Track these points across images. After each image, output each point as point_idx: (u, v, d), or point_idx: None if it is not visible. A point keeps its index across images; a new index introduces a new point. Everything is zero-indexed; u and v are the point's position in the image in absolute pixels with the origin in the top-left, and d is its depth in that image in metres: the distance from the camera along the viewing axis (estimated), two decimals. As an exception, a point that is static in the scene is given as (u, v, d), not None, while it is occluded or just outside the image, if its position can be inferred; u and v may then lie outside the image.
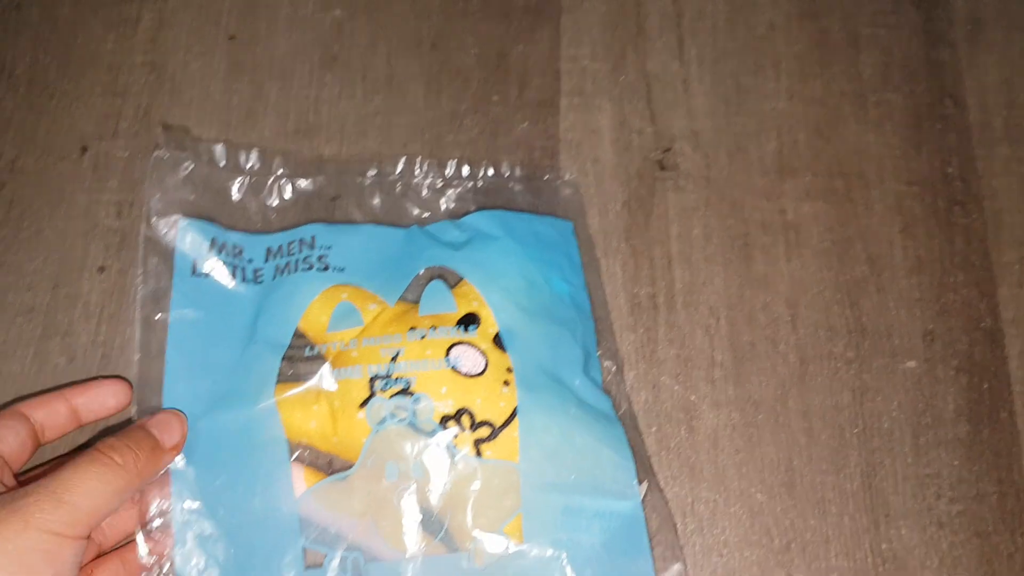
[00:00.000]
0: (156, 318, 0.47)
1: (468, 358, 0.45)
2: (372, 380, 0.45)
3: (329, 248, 0.49)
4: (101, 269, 0.52)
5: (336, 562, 0.42)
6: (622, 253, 0.54)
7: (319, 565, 0.42)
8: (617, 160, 0.56)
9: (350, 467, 0.44)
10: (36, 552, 0.34)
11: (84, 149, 0.55)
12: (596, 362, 0.50)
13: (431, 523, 0.43)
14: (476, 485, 0.43)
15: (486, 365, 0.45)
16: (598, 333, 0.51)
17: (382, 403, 0.44)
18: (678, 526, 0.48)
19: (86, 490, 0.36)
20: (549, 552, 0.43)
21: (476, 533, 0.43)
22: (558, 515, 0.44)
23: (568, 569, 0.43)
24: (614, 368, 0.50)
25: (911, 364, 0.52)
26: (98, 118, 0.56)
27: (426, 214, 0.52)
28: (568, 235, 0.53)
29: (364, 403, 0.44)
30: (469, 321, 0.47)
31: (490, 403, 0.45)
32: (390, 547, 0.43)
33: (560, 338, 0.48)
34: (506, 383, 0.45)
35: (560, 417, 0.45)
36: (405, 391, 0.44)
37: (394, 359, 0.45)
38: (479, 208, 0.52)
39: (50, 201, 0.54)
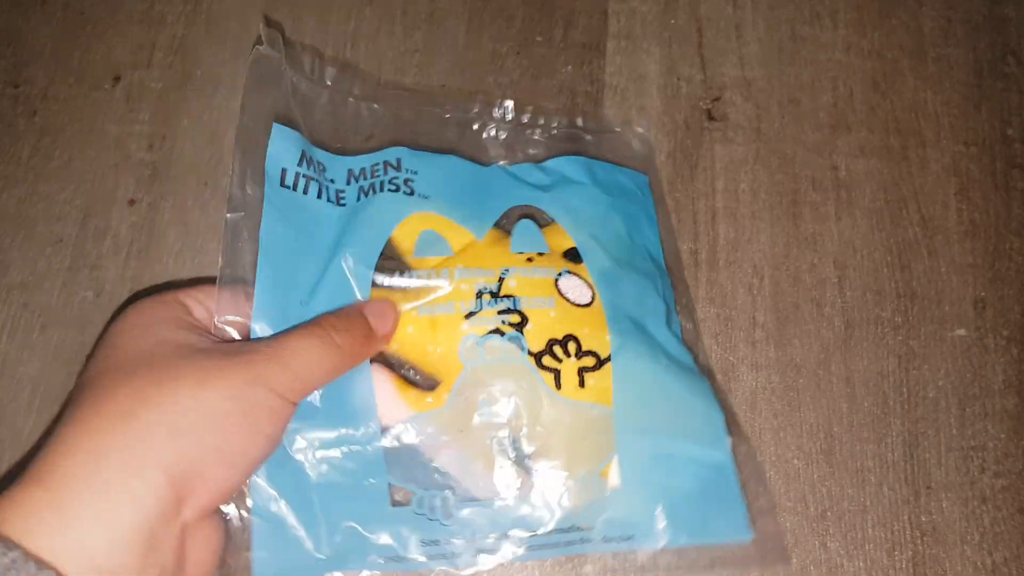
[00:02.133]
0: (241, 225, 0.42)
1: (576, 287, 0.44)
2: (479, 294, 0.43)
3: (415, 173, 0.46)
4: (132, 202, 0.51)
5: (425, 500, 0.40)
6: (664, 206, 0.52)
7: (406, 503, 0.40)
8: (664, 108, 0.54)
9: (436, 382, 0.43)
10: (263, 408, 0.34)
11: (117, 79, 0.54)
12: (676, 317, 0.48)
13: (524, 464, 0.41)
14: (570, 427, 0.42)
15: (592, 297, 0.44)
16: (674, 290, 0.49)
17: (490, 317, 0.42)
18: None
19: (308, 361, 0.36)
20: (644, 496, 0.42)
21: (569, 475, 0.41)
22: (652, 461, 0.42)
23: (662, 514, 0.41)
24: (690, 326, 0.48)
25: (960, 332, 0.50)
26: (132, 47, 0.54)
27: (503, 154, 0.50)
28: (645, 188, 0.51)
29: (470, 315, 0.42)
30: (574, 255, 0.45)
31: (596, 334, 0.43)
32: (481, 487, 0.41)
33: (645, 289, 0.46)
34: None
35: (652, 365, 0.44)
36: (512, 310, 0.42)
37: (501, 279, 0.43)
38: (555, 155, 0.50)
39: (81, 130, 0.52)
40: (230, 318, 0.39)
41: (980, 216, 0.52)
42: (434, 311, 0.43)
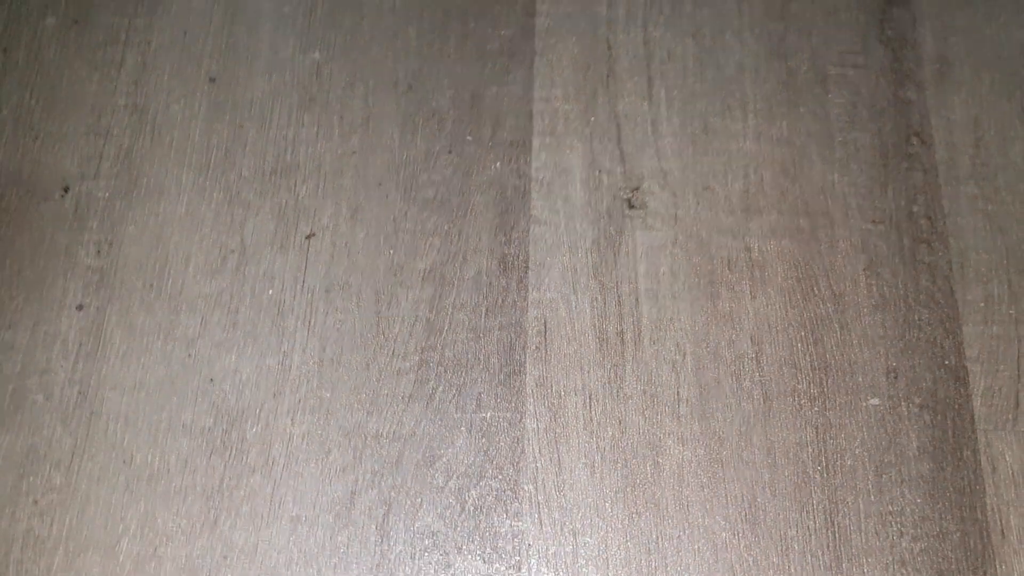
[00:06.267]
0: None
1: None
2: None
3: None
4: (79, 307, 0.53)
5: None
6: (591, 290, 0.55)
7: None
8: (587, 199, 0.57)
9: None
10: None
11: (66, 189, 0.56)
12: None
13: None
14: None
15: None
16: None
17: None
18: (642, 562, 0.49)
19: None
20: None
21: None
22: None
23: None
24: None
25: (874, 401, 0.53)
26: (80, 159, 0.57)
27: None
28: None
29: None
30: None
31: None
32: None
33: None
34: None
35: None
36: None
37: None
38: None
39: (32, 240, 0.55)
40: None
41: (889, 290, 0.55)
42: None
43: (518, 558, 0.49)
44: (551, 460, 0.51)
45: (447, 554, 0.49)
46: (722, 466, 0.51)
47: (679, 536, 0.50)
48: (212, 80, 0.60)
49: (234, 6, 0.61)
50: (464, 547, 0.50)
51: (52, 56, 0.60)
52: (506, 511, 0.50)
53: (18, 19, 0.61)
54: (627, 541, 0.49)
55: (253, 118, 0.59)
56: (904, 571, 0.49)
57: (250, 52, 0.60)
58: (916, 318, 0.55)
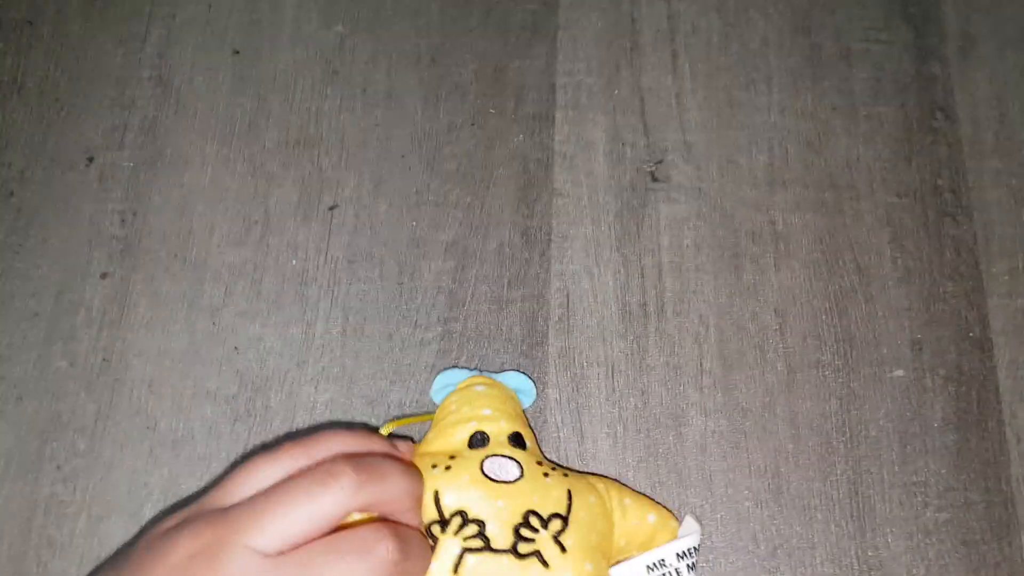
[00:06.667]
0: None
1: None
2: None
3: None
4: (104, 275, 0.54)
5: None
6: (613, 262, 0.55)
7: None
8: (610, 172, 0.57)
9: None
10: None
11: (91, 160, 0.56)
12: None
13: None
14: None
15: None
16: None
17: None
18: (665, 531, 0.49)
19: None
20: None
21: None
22: None
23: None
24: None
25: (899, 373, 0.52)
26: (105, 130, 0.57)
27: None
28: None
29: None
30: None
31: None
32: None
33: None
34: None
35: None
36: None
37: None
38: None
39: (56, 210, 0.55)
40: None
41: (914, 263, 0.55)
42: None
43: (541, 526, 0.49)
44: (573, 430, 0.51)
45: (470, 521, 0.49)
46: (745, 437, 0.51)
47: (702, 505, 0.50)
48: (236, 53, 0.60)
49: (257, -20, 0.61)
50: (487, 514, 0.50)
51: (77, 29, 0.60)
52: (529, 479, 0.50)
53: (43, -8, 0.61)
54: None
55: (277, 90, 0.59)
56: (928, 541, 0.49)
57: (274, 26, 0.61)
58: (941, 291, 0.54)
